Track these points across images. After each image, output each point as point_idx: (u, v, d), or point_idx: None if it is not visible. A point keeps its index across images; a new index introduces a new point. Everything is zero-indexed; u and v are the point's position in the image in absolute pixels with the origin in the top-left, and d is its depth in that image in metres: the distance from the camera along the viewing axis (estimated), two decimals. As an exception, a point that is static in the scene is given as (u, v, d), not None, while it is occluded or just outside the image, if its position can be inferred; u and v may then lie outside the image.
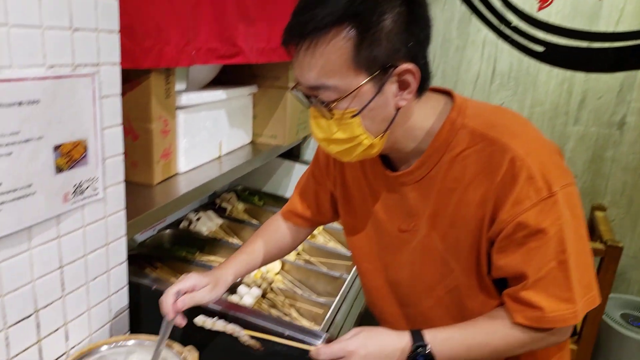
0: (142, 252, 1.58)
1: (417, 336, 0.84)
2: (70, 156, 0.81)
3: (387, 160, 0.96)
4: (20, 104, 0.70)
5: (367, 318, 2.45)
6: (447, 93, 0.91)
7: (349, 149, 0.85)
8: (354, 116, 0.80)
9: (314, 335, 1.10)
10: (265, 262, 1.17)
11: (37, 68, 0.73)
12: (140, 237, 1.65)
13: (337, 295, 1.48)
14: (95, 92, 0.83)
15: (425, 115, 0.87)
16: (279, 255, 1.21)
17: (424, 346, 0.82)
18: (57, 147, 0.78)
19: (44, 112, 0.74)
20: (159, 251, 1.63)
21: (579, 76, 2.18)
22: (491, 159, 0.81)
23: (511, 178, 0.79)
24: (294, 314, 1.45)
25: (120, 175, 0.95)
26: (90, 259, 0.92)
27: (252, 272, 1.15)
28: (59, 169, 0.80)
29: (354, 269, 1.64)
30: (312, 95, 0.82)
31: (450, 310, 0.95)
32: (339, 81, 0.78)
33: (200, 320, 0.94)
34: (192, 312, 0.97)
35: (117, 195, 0.95)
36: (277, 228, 1.21)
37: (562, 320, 0.80)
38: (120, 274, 1.02)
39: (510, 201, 0.79)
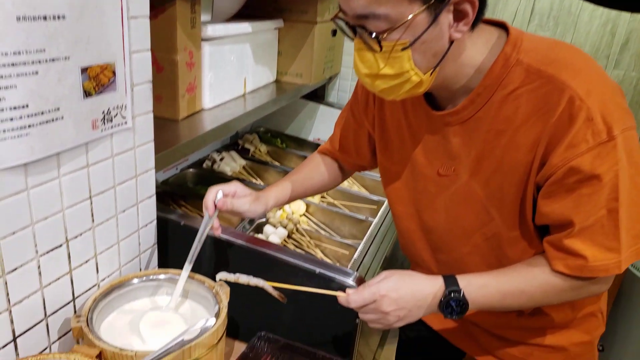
0: (166, 189, 1.56)
1: (450, 281, 0.80)
2: (98, 80, 0.76)
3: (431, 99, 0.89)
4: (45, 18, 0.65)
5: (393, 262, 2.46)
6: (501, 25, 0.83)
7: (395, 86, 0.78)
8: (404, 49, 0.73)
9: (345, 273, 1.08)
10: (306, 194, 1.15)
11: (62, -20, 0.67)
12: (162, 176, 1.63)
13: (362, 238, 1.46)
14: (124, 11, 0.77)
15: (477, 49, 0.79)
16: (319, 191, 1.18)
17: (458, 291, 0.79)
18: (84, 70, 0.74)
19: (70, 30, 0.69)
20: (182, 190, 1.61)
21: (624, 17, 2.05)
22: (547, 98, 0.74)
23: (568, 119, 0.72)
24: (320, 254, 1.44)
25: (149, 105, 0.91)
26: (119, 190, 0.90)
27: (292, 201, 1.14)
28: (87, 94, 0.75)
29: (379, 212, 1.61)
30: (358, 25, 0.74)
31: (486, 257, 0.91)
32: (391, 9, 0.70)
33: (223, 275, 0.92)
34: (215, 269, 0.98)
35: (145, 125, 0.91)
36: (317, 165, 1.17)
37: (604, 269, 0.76)
38: (149, 208, 0.99)
39: (565, 144, 0.73)
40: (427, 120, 0.90)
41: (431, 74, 0.77)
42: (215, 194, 0.96)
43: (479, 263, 0.92)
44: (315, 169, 1.16)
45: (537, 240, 0.84)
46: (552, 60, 0.76)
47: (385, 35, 0.72)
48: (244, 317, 1.14)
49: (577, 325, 0.95)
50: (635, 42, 2.08)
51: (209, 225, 0.96)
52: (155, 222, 1.03)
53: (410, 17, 0.70)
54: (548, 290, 0.80)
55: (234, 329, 1.10)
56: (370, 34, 0.73)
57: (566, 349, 0.96)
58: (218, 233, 0.99)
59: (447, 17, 0.73)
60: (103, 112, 0.79)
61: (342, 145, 1.13)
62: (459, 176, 0.87)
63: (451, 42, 0.75)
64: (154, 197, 1.00)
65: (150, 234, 1.02)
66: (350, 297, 0.83)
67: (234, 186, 0.99)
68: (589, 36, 2.10)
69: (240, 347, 1.04)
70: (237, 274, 0.92)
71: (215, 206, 0.95)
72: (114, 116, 0.82)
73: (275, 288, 0.93)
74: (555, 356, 0.96)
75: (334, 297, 1.08)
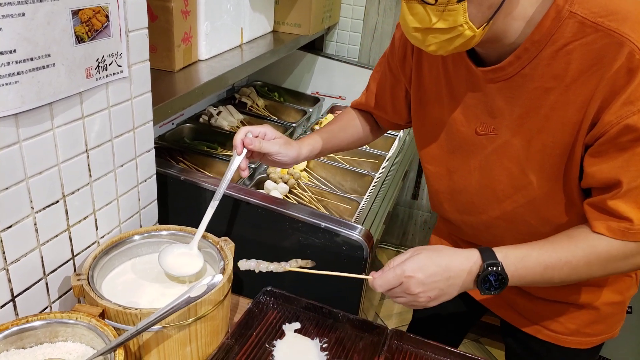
0: (163, 145, 1.51)
1: (487, 254, 0.75)
2: (90, 24, 0.71)
3: (473, 54, 0.83)
4: (29, -48, 0.59)
5: (394, 217, 2.45)
6: None
7: (447, 41, 0.72)
8: (460, 1, 0.68)
9: (350, 227, 1.06)
10: (340, 148, 1.10)
11: None
12: (158, 131, 1.58)
13: (365, 193, 1.43)
14: (115, -54, 0.71)
15: (529, 1, 0.74)
16: (353, 145, 1.13)
17: (496, 264, 0.74)
18: (75, 13, 0.68)
19: (57, -34, 0.63)
20: (180, 145, 1.56)
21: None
22: (604, 52, 0.69)
23: (626, 73, 0.67)
24: (322, 209, 1.42)
25: (145, 53, 0.85)
26: (116, 143, 0.85)
27: (326, 154, 1.10)
28: (80, 39, 0.70)
29: (381, 167, 1.59)
30: None
31: (515, 224, 0.87)
32: None
33: (244, 265, 0.88)
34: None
35: (142, 75, 0.86)
36: (352, 119, 1.11)
37: None
38: (148, 162, 0.95)
39: (621, 100, 0.68)
40: (468, 76, 0.85)
41: (484, 28, 0.72)
42: (244, 133, 0.92)
43: (507, 229, 0.89)
44: (351, 122, 1.10)
45: (579, 205, 0.80)
46: (610, 11, 0.70)
47: None
48: (249, 273, 1.12)
49: (611, 284, 0.93)
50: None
51: (236, 164, 0.92)
52: (154, 177, 0.99)
53: None
54: (592, 260, 0.75)
55: (238, 285, 1.08)
56: None
57: (597, 308, 0.94)
58: (245, 174, 0.95)
59: None
60: (97, 60, 0.74)
61: (378, 101, 1.07)
62: (498, 135, 0.83)
63: None
64: (153, 151, 0.96)
65: (150, 190, 0.99)
66: (375, 282, 0.78)
67: (264, 128, 0.95)
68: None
69: (245, 302, 1.03)
70: (257, 261, 0.87)
71: (244, 145, 0.91)
72: (109, 64, 0.77)
73: (299, 269, 0.88)
74: (585, 315, 0.94)
75: (341, 250, 1.07)
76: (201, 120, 1.72)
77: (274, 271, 0.87)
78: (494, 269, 0.74)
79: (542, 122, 0.77)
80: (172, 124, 1.66)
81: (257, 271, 0.86)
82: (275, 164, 0.98)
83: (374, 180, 1.50)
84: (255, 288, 1.00)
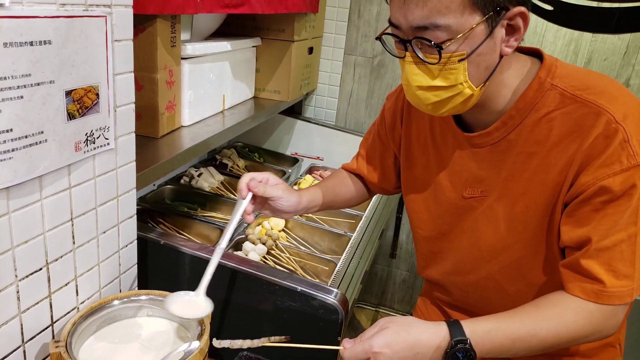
0: (144, 207, 1.54)
1: (455, 330, 0.75)
2: (82, 102, 0.76)
3: (460, 122, 0.90)
4: (31, 44, 0.65)
5: (372, 277, 2.46)
6: (534, 53, 0.85)
7: (447, 99, 0.78)
8: (461, 60, 0.74)
9: (326, 290, 1.09)
10: (335, 204, 1.14)
11: (49, 5, 0.67)
12: (139, 193, 1.60)
13: (342, 253, 1.47)
14: (108, 35, 0.77)
15: (515, 72, 0.81)
16: (346, 204, 1.17)
17: (464, 341, 0.74)
18: (69, 93, 0.73)
19: (55, 54, 0.69)
20: (160, 206, 1.60)
21: (586, 37, 2.14)
22: (583, 121, 0.76)
23: (604, 139, 0.74)
24: (299, 270, 1.44)
25: (131, 125, 0.91)
26: (100, 211, 0.89)
27: (323, 210, 1.12)
28: (71, 116, 0.75)
29: (358, 227, 1.63)
30: (414, 37, 0.75)
31: (501, 283, 0.91)
32: (453, 20, 0.71)
33: (218, 344, 0.88)
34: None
35: (127, 146, 0.91)
36: (344, 178, 1.16)
37: (619, 296, 0.75)
38: (129, 228, 0.98)
39: (598, 163, 0.74)
40: (454, 142, 0.91)
41: (481, 88, 0.78)
42: (248, 178, 0.96)
43: (494, 289, 0.93)
44: (344, 181, 1.15)
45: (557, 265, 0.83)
46: (588, 86, 0.78)
47: (447, 45, 0.73)
48: (226, 336, 1.13)
49: (596, 355, 0.95)
50: (598, 60, 2.17)
51: (241, 209, 0.95)
52: (135, 242, 1.02)
53: (470, 29, 0.72)
54: (561, 331, 0.76)
55: (215, 349, 1.09)
56: (431, 43, 0.73)
57: None
58: (251, 219, 0.97)
59: (500, 32, 0.75)
60: (86, 134, 0.79)
61: (368, 166, 1.13)
62: (486, 198, 0.88)
63: (501, 56, 0.77)
64: (135, 217, 1.00)
65: (130, 254, 1.01)
66: (345, 355, 0.79)
67: (267, 174, 0.99)
68: (554, 55, 2.18)
69: (221, 367, 1.04)
70: (232, 341, 0.87)
71: (249, 189, 0.95)
72: (97, 137, 0.82)
73: (274, 344, 0.89)
74: None
75: (317, 313, 1.09)
76: (182, 181, 1.76)
77: (250, 347, 0.87)
78: (462, 345, 0.74)
79: (526, 185, 0.82)
80: (154, 185, 1.69)
81: (232, 348, 0.87)
82: (276, 212, 1.00)
83: (351, 240, 1.54)
84: (232, 352, 1.01)
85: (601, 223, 0.75)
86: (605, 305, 0.76)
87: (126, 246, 0.99)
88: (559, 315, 0.77)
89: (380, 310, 2.56)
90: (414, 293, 2.50)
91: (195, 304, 0.89)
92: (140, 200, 1.58)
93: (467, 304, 1.02)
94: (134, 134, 0.92)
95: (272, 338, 0.88)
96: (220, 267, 1.13)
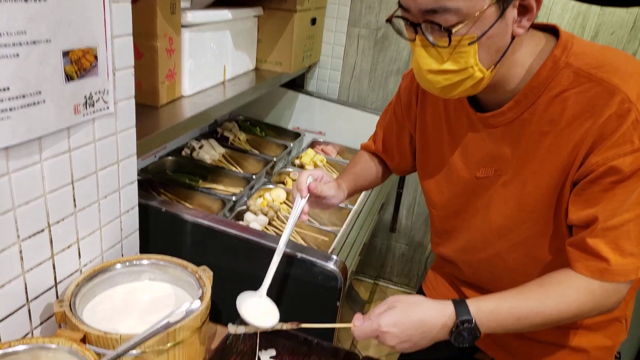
0: (146, 177, 1.55)
1: (461, 309, 0.77)
2: (80, 64, 0.76)
3: (473, 102, 0.89)
4: (26, 0, 0.64)
5: (371, 249, 2.48)
6: (551, 29, 0.83)
7: (457, 83, 0.78)
8: (471, 43, 0.73)
9: (326, 257, 1.10)
10: (364, 188, 1.16)
11: (44, -39, 0.66)
12: (141, 164, 1.62)
13: (342, 225, 1.48)
14: (105, -6, 0.77)
15: (528, 51, 0.80)
16: (372, 185, 1.18)
17: (469, 321, 0.76)
18: (66, 53, 0.73)
19: (51, 12, 0.69)
20: (162, 177, 1.60)
21: (594, 10, 2.11)
22: (596, 100, 0.75)
23: (616, 119, 0.73)
24: (300, 241, 1.46)
25: (131, 90, 0.90)
26: (101, 176, 0.89)
27: (355, 194, 1.16)
28: (69, 77, 0.75)
29: (359, 199, 1.64)
30: (424, 21, 0.74)
31: (511, 262, 0.92)
32: (463, 3, 0.70)
33: (232, 329, 0.92)
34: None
35: (127, 111, 0.91)
36: (368, 160, 1.17)
37: (624, 274, 0.76)
38: (130, 194, 0.99)
39: (609, 143, 0.73)
40: (468, 122, 0.90)
41: (492, 70, 0.77)
42: (307, 177, 0.97)
43: (504, 267, 0.93)
44: (369, 164, 1.16)
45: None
46: (603, 64, 0.76)
47: (456, 28, 0.72)
48: (226, 302, 1.15)
49: (602, 329, 0.96)
50: (605, 34, 2.14)
51: (300, 207, 0.97)
52: (137, 208, 1.02)
53: (481, 11, 0.70)
54: (562, 309, 0.77)
55: (216, 314, 1.11)
56: (440, 28, 0.72)
57: (587, 351, 0.97)
58: (305, 218, 0.99)
59: (512, 12, 0.73)
60: (85, 97, 0.79)
61: (385, 146, 1.14)
62: (499, 177, 0.88)
63: (513, 37, 0.76)
64: (136, 184, 1.00)
65: (132, 220, 1.02)
66: (355, 332, 0.83)
67: (320, 171, 1.00)
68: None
69: (223, 331, 1.05)
70: (248, 326, 0.91)
71: (309, 190, 0.96)
72: (96, 101, 0.82)
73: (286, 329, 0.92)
74: (574, 358, 0.97)
75: (316, 280, 1.10)
76: (183, 153, 1.77)
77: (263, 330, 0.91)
78: (467, 325, 0.76)
79: (537, 164, 0.82)
80: (155, 156, 1.70)
81: (249, 333, 0.91)
82: (322, 207, 1.04)
83: (351, 212, 1.55)
84: (233, 317, 1.03)
85: (609, 203, 0.75)
86: (608, 283, 0.76)
87: (127, 212, 1.00)
88: (563, 293, 0.78)
89: (379, 283, 2.59)
90: (412, 266, 2.52)
91: (261, 308, 0.93)
92: (142, 171, 1.59)
93: (477, 280, 1.04)
94: (133, 99, 0.92)
95: (285, 325, 0.91)
96: (221, 235, 1.15)
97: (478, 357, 1.23)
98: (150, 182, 1.55)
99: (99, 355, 0.75)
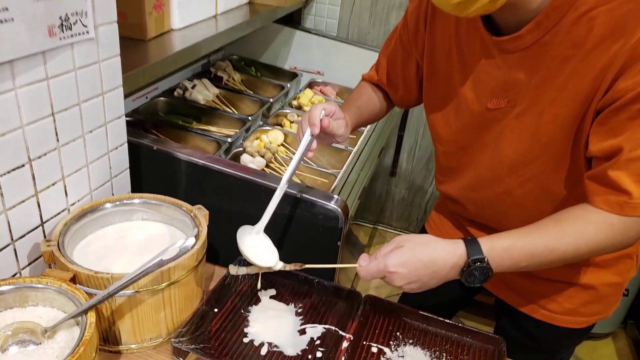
0: (137, 119, 1.48)
1: (473, 248, 0.74)
2: (52, -21, 0.68)
3: (490, 25, 0.81)
4: None
5: (371, 193, 2.45)
6: None
7: None
8: None
9: (327, 197, 1.06)
10: (368, 122, 1.09)
11: None
12: (132, 105, 1.55)
13: (341, 168, 1.43)
14: None
15: None
16: (376, 119, 1.12)
17: (481, 260, 0.73)
18: (35, -34, 0.65)
19: None
20: (154, 119, 1.53)
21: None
22: (628, 18, 0.68)
23: None
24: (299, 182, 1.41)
25: (113, 14, 0.83)
26: (85, 108, 0.83)
27: (358, 128, 1.09)
28: (41, -6, 0.67)
29: (358, 141, 1.58)
30: None
31: (522, 199, 0.87)
32: None
33: (234, 270, 0.90)
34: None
35: (110, 37, 0.83)
36: (371, 92, 1.09)
37: None
38: (118, 129, 0.93)
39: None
40: (481, 47, 0.83)
41: None
42: (320, 111, 0.89)
43: (513, 205, 0.89)
44: (371, 97, 1.08)
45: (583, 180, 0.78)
46: None
47: None
48: (224, 243, 1.12)
49: (611, 266, 0.93)
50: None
51: (310, 144, 0.91)
52: (126, 144, 0.97)
53: None
54: (580, 245, 0.74)
55: (214, 255, 1.08)
56: None
57: (596, 288, 0.94)
58: (311, 155, 0.94)
59: None
60: (60, 18, 0.72)
61: (389, 77, 1.05)
62: (513, 108, 0.81)
63: None
64: (124, 118, 0.94)
65: (121, 158, 0.97)
66: (360, 272, 0.79)
67: (334, 106, 0.93)
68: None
69: (221, 272, 1.02)
70: (250, 267, 0.88)
71: (321, 126, 0.90)
72: (74, 23, 0.74)
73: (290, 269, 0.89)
74: (583, 295, 0.95)
75: (317, 220, 1.06)
76: (175, 94, 1.69)
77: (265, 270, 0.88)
78: (479, 264, 0.73)
79: (557, 93, 0.75)
80: (146, 97, 1.62)
81: (250, 273, 0.89)
82: (323, 143, 0.97)
83: (351, 155, 1.50)
84: (231, 258, 1.00)
85: (636, 132, 0.69)
86: (628, 217, 0.72)
87: (116, 148, 0.94)
88: (580, 229, 0.74)
89: (379, 227, 2.58)
90: (412, 211, 2.50)
91: (260, 245, 0.89)
92: (133, 113, 1.52)
93: (483, 219, 0.99)
94: (116, 25, 0.84)
95: (288, 266, 0.88)
96: (217, 174, 1.10)
97: (479, 299, 1.22)
98: (142, 123, 1.49)
99: (90, 295, 0.72)
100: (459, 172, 0.96)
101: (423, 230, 1.20)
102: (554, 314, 0.97)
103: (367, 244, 2.43)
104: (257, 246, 0.88)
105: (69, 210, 0.86)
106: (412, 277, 0.75)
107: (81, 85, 0.81)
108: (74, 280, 0.74)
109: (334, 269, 1.10)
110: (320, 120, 0.89)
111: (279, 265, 0.87)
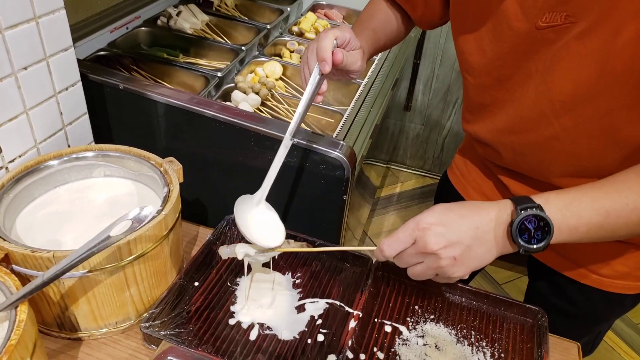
0: (114, 52, 1.29)
1: (522, 200, 0.60)
2: None
3: None
4: None
5: (384, 131, 2.26)
6: None
7: None
8: None
9: (331, 143, 0.88)
10: (385, 47, 0.89)
11: None
12: (109, 37, 1.34)
13: (349, 104, 1.24)
14: None
15: None
16: (392, 43, 0.92)
17: (534, 206, 0.59)
18: None
19: None
20: (134, 53, 1.34)
21: None
22: None
23: None
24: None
25: None
26: (10, 36, 0.64)
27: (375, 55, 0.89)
28: None
29: (368, 73, 1.38)
30: None
31: (575, 146, 0.69)
32: None
33: (225, 252, 0.71)
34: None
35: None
36: (387, 12, 0.88)
37: None
38: (67, 65, 0.75)
39: None
40: None
41: None
42: (331, 42, 0.70)
43: (560, 152, 0.71)
44: (387, 18, 0.87)
45: None
46: None
47: None
48: (211, 199, 0.96)
49: None
50: None
51: (319, 85, 0.72)
52: (79, 84, 0.79)
53: None
54: None
55: (198, 214, 0.92)
56: None
57: None
58: (320, 99, 0.75)
59: None
60: None
61: None
62: (571, 26, 0.62)
63: None
64: (72, 51, 0.75)
65: (75, 101, 0.79)
66: (383, 244, 0.62)
67: (347, 33, 0.73)
68: None
69: (206, 233, 0.87)
70: (240, 245, 0.70)
71: (334, 61, 0.70)
72: None
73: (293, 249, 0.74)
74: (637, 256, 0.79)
75: (318, 170, 0.89)
76: (159, 22, 1.47)
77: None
78: (532, 211, 0.58)
79: (637, 6, 0.55)
80: (127, 28, 1.42)
81: (250, 256, 0.70)
82: (335, 78, 0.78)
83: (360, 88, 1.30)
84: (220, 217, 0.84)
85: None
86: None
87: (66, 89, 0.76)
88: None
89: (392, 166, 2.41)
90: (427, 148, 2.32)
91: (263, 220, 0.72)
92: (110, 46, 1.32)
93: (520, 168, 0.80)
94: None
95: (290, 242, 0.73)
96: (196, 117, 0.92)
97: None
98: (120, 58, 1.29)
99: (27, 279, 0.56)
100: (494, 110, 0.76)
101: (445, 179, 1.02)
102: (604, 277, 0.81)
103: (380, 185, 2.27)
104: (260, 223, 0.71)
105: (7, 168, 0.70)
106: (450, 235, 0.59)
107: (2, 5, 0.61)
108: (6, 259, 0.58)
109: (339, 230, 0.95)
110: (332, 53, 0.70)
111: (282, 245, 0.71)
